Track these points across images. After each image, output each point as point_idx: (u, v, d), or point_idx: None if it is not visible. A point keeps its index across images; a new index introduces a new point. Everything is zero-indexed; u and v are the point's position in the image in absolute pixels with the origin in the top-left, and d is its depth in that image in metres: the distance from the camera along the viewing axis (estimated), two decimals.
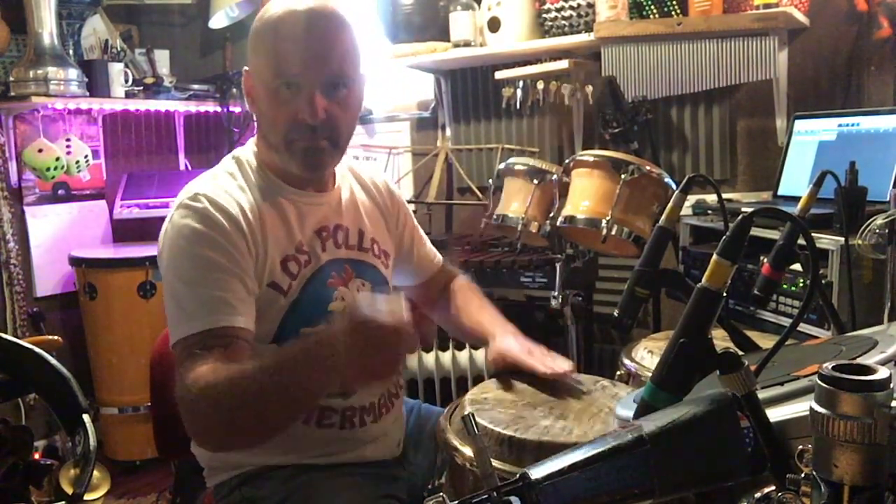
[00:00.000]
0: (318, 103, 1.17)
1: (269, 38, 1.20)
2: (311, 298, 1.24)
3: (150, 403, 1.55)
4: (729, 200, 2.04)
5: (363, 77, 1.26)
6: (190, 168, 3.56)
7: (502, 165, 2.38)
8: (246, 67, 1.26)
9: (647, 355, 1.49)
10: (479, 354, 2.58)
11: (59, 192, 3.09)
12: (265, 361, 1.03)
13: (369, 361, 0.97)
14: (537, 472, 0.61)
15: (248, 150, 1.30)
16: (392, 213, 1.46)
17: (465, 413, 0.76)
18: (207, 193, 1.18)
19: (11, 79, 2.78)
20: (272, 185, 1.26)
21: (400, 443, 1.39)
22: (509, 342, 1.35)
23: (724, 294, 0.71)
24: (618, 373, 1.54)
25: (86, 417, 1.29)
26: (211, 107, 3.43)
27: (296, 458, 1.23)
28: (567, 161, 2.12)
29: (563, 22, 2.48)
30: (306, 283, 1.24)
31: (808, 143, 2.01)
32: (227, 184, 1.23)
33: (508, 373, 1.32)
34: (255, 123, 1.32)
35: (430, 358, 2.58)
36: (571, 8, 2.45)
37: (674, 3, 2.32)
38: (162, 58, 3.36)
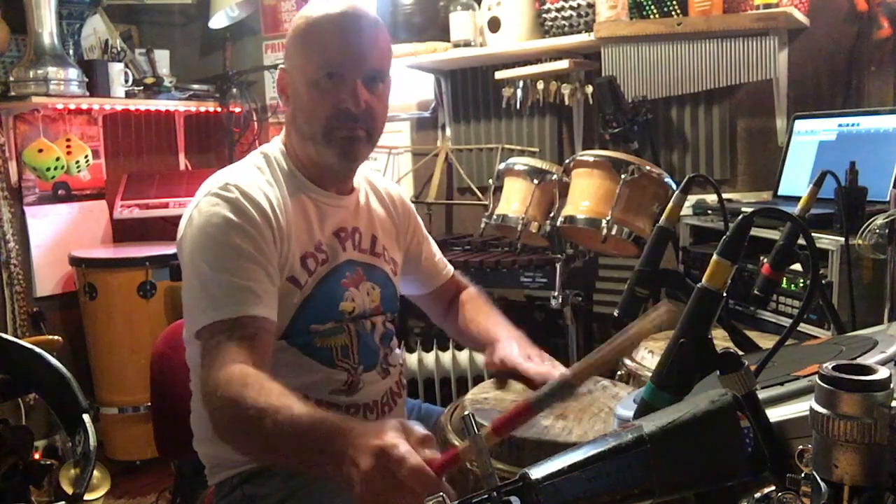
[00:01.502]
0: (361, 93, 1.21)
1: (313, 32, 1.23)
2: (324, 296, 1.27)
3: (150, 403, 1.55)
4: (729, 200, 2.05)
5: (391, 78, 1.32)
6: (190, 168, 3.56)
7: (502, 165, 2.38)
8: (282, 65, 1.29)
9: (647, 355, 1.50)
10: (480, 355, 2.58)
11: (59, 192, 3.09)
12: (285, 415, 0.97)
13: (381, 493, 0.87)
14: (537, 471, 0.61)
15: (274, 148, 1.32)
16: (402, 224, 1.48)
17: (465, 413, 0.76)
18: (238, 184, 1.20)
19: (11, 79, 2.78)
20: (298, 183, 1.29)
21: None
22: (510, 347, 1.35)
23: (724, 294, 0.71)
24: (618, 373, 1.54)
25: (86, 417, 1.29)
26: (211, 107, 3.43)
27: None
28: (567, 161, 2.12)
29: (563, 22, 2.48)
30: (320, 281, 1.26)
31: (808, 143, 2.01)
32: (256, 177, 1.25)
33: (506, 374, 1.33)
34: (286, 121, 1.32)
35: (430, 358, 2.58)
36: (571, 8, 2.45)
37: (674, 3, 2.32)
38: (162, 58, 3.36)
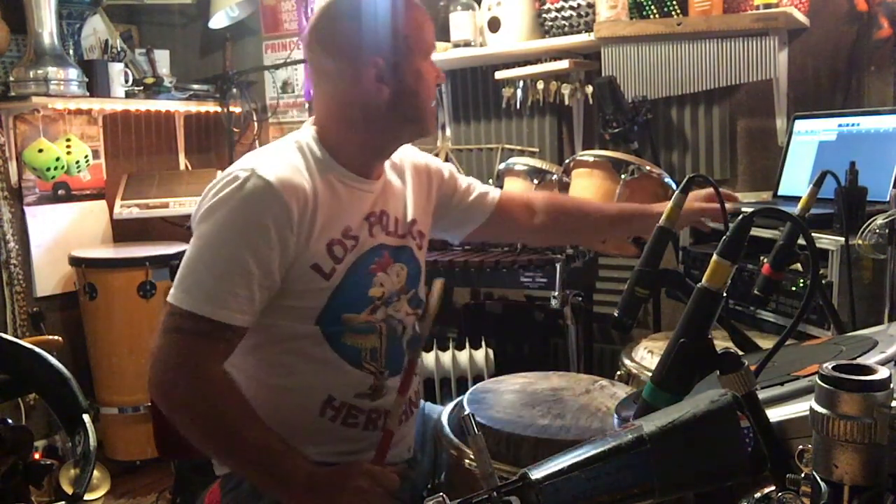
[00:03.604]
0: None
1: (407, 18, 1.26)
2: (353, 284, 1.26)
3: (150, 403, 1.55)
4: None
5: None
6: (190, 168, 3.56)
7: (502, 165, 2.38)
8: (377, 58, 1.23)
9: (647, 355, 1.50)
10: (480, 355, 2.58)
11: (59, 192, 3.09)
12: (252, 435, 1.13)
13: None
14: (537, 471, 0.61)
15: (307, 135, 1.29)
16: (426, 183, 1.46)
17: (465, 413, 0.76)
18: (267, 171, 1.17)
19: (11, 79, 2.78)
20: (332, 170, 1.26)
21: (411, 447, 1.41)
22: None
23: (724, 294, 0.71)
24: (618, 373, 1.54)
25: (86, 417, 1.29)
26: (211, 107, 3.43)
27: (314, 453, 1.24)
28: (567, 161, 2.12)
29: (563, 22, 2.48)
30: (349, 270, 1.25)
31: (808, 143, 2.01)
32: (288, 163, 1.22)
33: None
34: (334, 110, 1.30)
35: (430, 358, 2.58)
36: (571, 8, 2.45)
37: (674, 3, 2.32)
38: (162, 58, 3.36)
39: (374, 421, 1.30)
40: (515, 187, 2.27)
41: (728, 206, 1.48)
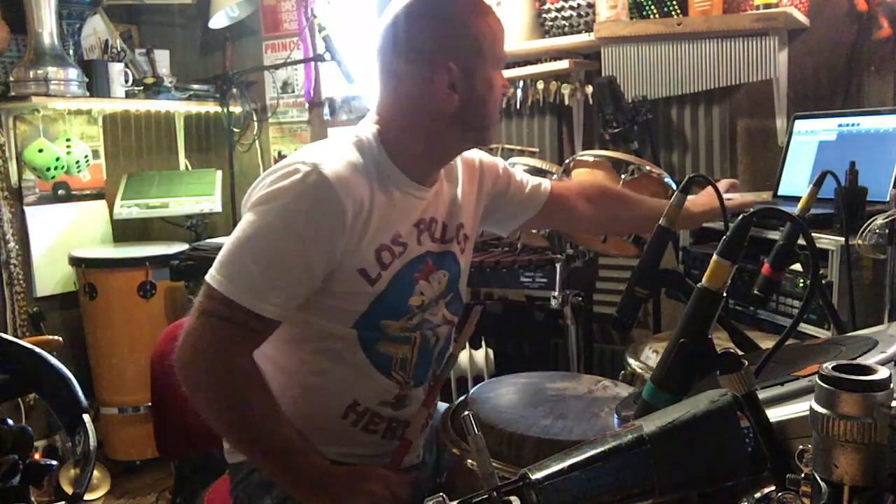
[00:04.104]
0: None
1: (486, 26, 1.24)
2: (396, 291, 1.25)
3: (150, 403, 1.55)
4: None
5: None
6: (190, 168, 3.56)
7: None
8: (451, 63, 1.20)
9: (652, 355, 1.50)
10: (479, 354, 2.58)
11: (59, 192, 3.09)
12: (272, 427, 1.14)
13: None
14: (537, 471, 0.61)
15: (369, 135, 1.25)
16: (476, 183, 1.44)
17: (465, 413, 0.76)
18: (330, 168, 1.15)
19: (11, 79, 2.78)
20: (390, 174, 1.24)
21: (420, 452, 1.41)
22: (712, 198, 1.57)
23: (724, 294, 0.71)
24: (622, 372, 1.54)
25: (86, 417, 1.29)
26: (211, 107, 3.43)
27: (330, 452, 1.24)
28: (567, 161, 2.11)
29: (563, 22, 2.48)
30: (394, 277, 1.24)
31: (808, 143, 2.01)
32: (350, 162, 1.19)
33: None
34: (396, 115, 1.26)
35: None
36: (571, 8, 2.45)
37: (674, 3, 2.32)
38: (162, 58, 3.36)
39: (393, 430, 1.31)
40: None
41: (750, 198, 1.53)
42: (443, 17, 1.22)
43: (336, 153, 1.19)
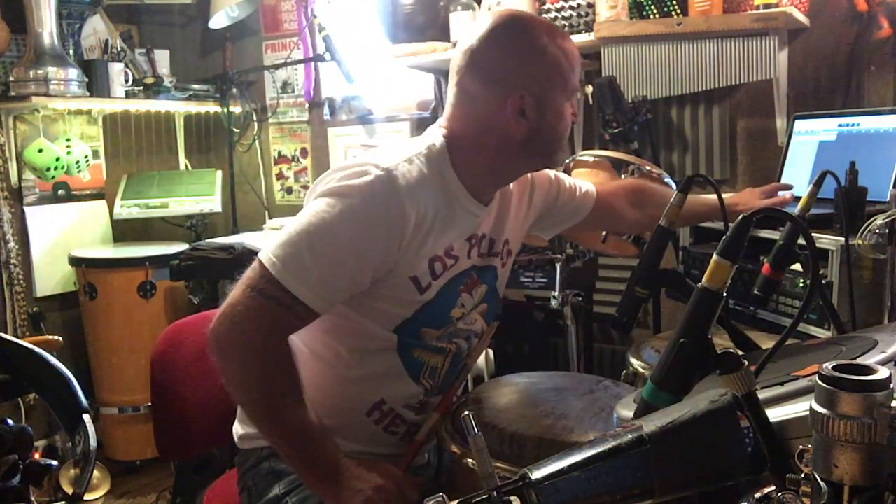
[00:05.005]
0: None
1: (562, 59, 1.24)
2: (442, 302, 1.27)
3: (150, 403, 1.55)
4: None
5: None
6: (190, 168, 3.56)
7: None
8: (523, 92, 1.22)
9: (654, 355, 1.50)
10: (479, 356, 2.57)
11: (59, 192, 3.09)
12: (293, 412, 1.15)
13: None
14: (537, 471, 0.61)
15: (438, 143, 1.27)
16: (526, 195, 1.45)
17: (465, 413, 0.76)
18: (400, 174, 1.17)
19: (11, 79, 2.78)
20: (454, 188, 1.26)
21: (427, 455, 1.44)
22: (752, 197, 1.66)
23: (724, 294, 0.71)
24: (623, 372, 1.54)
25: (86, 417, 1.29)
26: (211, 107, 3.43)
27: (347, 448, 1.25)
28: (567, 161, 2.12)
29: (563, 22, 2.48)
30: (443, 288, 1.26)
31: (808, 143, 2.01)
32: (420, 171, 1.21)
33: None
34: (469, 133, 1.27)
35: None
36: (571, 8, 2.45)
37: (674, 3, 2.32)
38: (162, 58, 3.36)
39: (412, 434, 1.33)
40: None
41: (787, 195, 1.62)
42: (522, 47, 1.22)
43: (409, 159, 1.21)
